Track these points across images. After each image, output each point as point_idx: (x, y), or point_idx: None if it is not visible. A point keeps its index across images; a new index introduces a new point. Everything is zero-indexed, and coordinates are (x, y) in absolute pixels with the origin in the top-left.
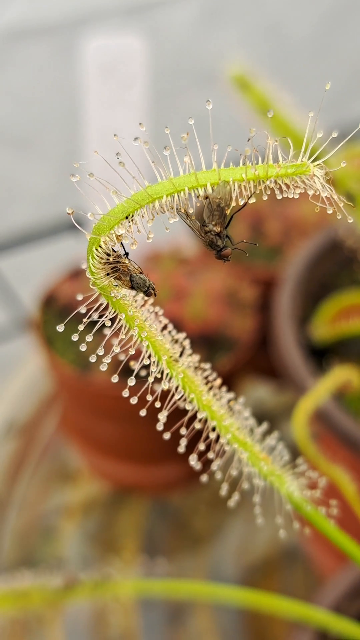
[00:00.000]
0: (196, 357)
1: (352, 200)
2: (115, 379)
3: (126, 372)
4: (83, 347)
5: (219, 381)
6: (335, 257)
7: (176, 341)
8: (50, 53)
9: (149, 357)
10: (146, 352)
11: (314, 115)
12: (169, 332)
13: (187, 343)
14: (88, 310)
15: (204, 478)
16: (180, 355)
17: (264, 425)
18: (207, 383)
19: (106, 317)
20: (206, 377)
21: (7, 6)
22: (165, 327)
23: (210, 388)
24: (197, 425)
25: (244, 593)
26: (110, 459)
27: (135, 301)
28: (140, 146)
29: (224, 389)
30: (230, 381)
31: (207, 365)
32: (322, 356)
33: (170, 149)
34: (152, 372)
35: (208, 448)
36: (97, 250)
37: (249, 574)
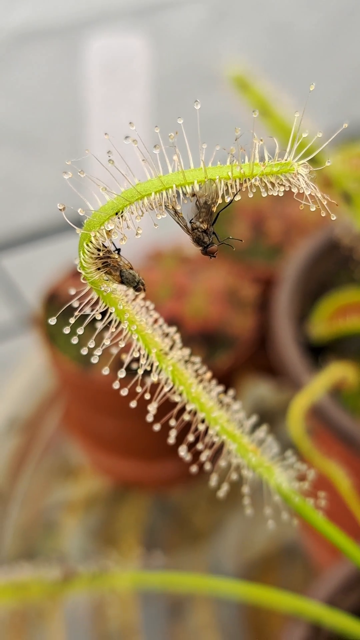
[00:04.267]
0: (187, 351)
1: (349, 199)
2: (106, 370)
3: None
4: (75, 340)
5: (209, 374)
6: (334, 256)
7: (167, 335)
8: (57, 54)
9: (139, 350)
10: (136, 345)
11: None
12: (160, 326)
13: (177, 337)
14: (81, 304)
15: (194, 469)
16: (171, 348)
17: (255, 419)
18: (197, 376)
19: (97, 310)
20: (196, 370)
21: (15, 7)
22: (156, 321)
23: (200, 381)
24: (186, 417)
25: (239, 585)
26: (112, 455)
27: (126, 296)
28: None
29: (214, 382)
30: (230, 379)
31: (198, 359)
32: (319, 354)
33: (160, 147)
34: (142, 364)
35: (197, 439)
36: (87, 245)
37: (248, 570)
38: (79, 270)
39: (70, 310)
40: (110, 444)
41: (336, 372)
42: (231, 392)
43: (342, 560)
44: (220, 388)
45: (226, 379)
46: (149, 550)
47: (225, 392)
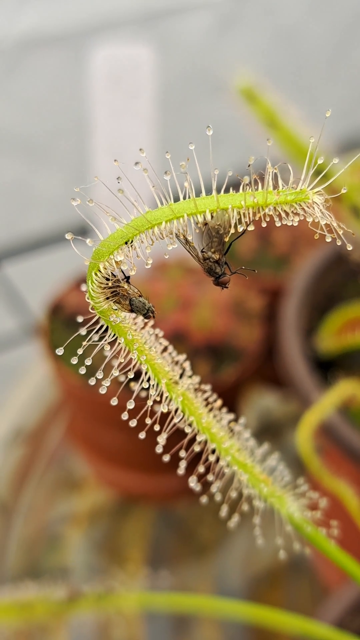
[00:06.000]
0: (196, 379)
1: (359, 213)
2: (114, 401)
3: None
4: (82, 370)
5: (219, 402)
6: (342, 268)
7: (176, 363)
8: (63, 61)
9: (149, 380)
10: (145, 375)
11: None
12: (169, 353)
13: (187, 365)
14: (89, 332)
15: (204, 499)
16: (181, 377)
17: (266, 446)
18: (207, 405)
19: (106, 340)
20: (206, 399)
21: (21, 14)
22: (165, 349)
23: (211, 410)
24: (197, 448)
25: (247, 607)
26: (117, 467)
27: (135, 323)
28: (144, 166)
29: (224, 410)
30: (236, 391)
31: (208, 387)
32: (327, 368)
33: (170, 173)
34: (151, 395)
35: (208, 470)
36: (96, 275)
37: (254, 584)
38: (87, 301)
39: (77, 327)
40: (114, 457)
41: (346, 389)
42: (242, 420)
43: (350, 580)
44: (231, 416)
45: (232, 392)
46: (154, 564)
47: (236, 420)
